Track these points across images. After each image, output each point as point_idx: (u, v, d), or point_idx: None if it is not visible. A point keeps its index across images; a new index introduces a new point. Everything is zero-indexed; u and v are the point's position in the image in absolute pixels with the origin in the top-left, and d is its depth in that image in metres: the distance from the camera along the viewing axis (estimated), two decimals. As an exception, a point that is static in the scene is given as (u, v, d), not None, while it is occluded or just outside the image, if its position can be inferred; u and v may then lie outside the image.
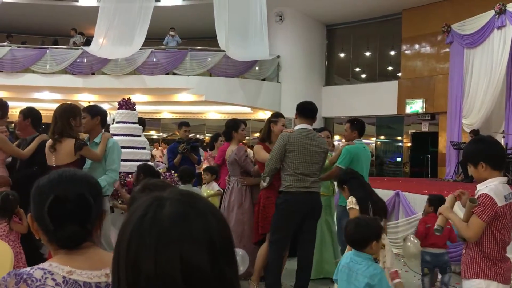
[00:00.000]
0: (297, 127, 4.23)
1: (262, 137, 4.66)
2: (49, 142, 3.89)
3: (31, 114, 4.47)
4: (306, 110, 4.29)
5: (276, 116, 4.64)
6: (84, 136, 4.35)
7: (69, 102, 4.26)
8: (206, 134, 17.10)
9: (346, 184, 3.68)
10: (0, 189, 3.96)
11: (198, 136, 17.21)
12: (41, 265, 1.22)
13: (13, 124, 5.79)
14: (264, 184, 4.24)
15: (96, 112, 4.17)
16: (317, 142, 4.21)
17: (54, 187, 1.30)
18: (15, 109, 7.51)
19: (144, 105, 14.54)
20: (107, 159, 4.00)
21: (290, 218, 4.10)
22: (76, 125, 3.93)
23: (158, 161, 11.08)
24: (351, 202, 3.48)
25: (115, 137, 4.54)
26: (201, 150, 7.41)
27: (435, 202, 4.39)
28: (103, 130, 4.23)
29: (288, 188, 4.08)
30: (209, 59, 14.09)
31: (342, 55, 16.35)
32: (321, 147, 4.24)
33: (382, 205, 3.57)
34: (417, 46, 13.80)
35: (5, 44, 14.70)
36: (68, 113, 3.90)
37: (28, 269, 1.20)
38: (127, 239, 0.78)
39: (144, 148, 5.58)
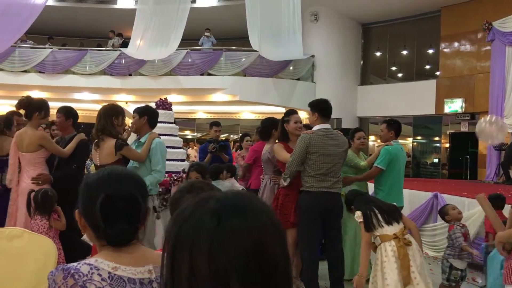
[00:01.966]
0: (316, 128, 4.19)
1: (279, 137, 4.59)
2: (83, 139, 4.01)
3: (72, 115, 4.62)
4: (326, 110, 4.25)
5: (288, 114, 4.55)
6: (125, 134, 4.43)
7: (107, 103, 4.36)
8: (240, 134, 17.16)
9: (353, 204, 3.71)
10: (42, 186, 4.12)
11: (231, 136, 17.33)
12: (87, 261, 1.26)
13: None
14: (284, 183, 4.25)
15: (144, 112, 4.26)
16: (337, 141, 4.20)
17: (105, 185, 1.32)
18: (55, 109, 7.73)
19: (179, 105, 14.73)
20: (152, 159, 4.04)
21: (313, 217, 4.12)
22: (118, 124, 4.00)
23: (193, 161, 11.20)
24: (358, 216, 3.53)
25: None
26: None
27: (493, 200, 4.46)
28: (152, 130, 4.28)
29: (309, 188, 4.10)
30: (244, 59, 14.14)
31: (378, 54, 16.09)
32: (342, 146, 4.23)
33: (392, 210, 3.53)
34: (456, 44, 13.44)
35: (46, 46, 15.20)
36: (111, 111, 3.99)
37: (75, 264, 1.24)
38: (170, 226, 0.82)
39: (180, 148, 5.65)
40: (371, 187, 5.52)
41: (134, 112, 4.28)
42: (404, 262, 3.21)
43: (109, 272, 1.23)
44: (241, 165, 6.20)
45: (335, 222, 4.27)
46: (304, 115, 14.66)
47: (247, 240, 0.76)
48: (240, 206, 0.80)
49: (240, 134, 8.90)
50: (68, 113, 4.60)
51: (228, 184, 4.95)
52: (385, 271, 3.26)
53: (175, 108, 7.00)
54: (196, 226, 0.77)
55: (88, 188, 1.35)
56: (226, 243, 0.75)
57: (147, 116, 4.23)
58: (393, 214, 3.46)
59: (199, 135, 18.55)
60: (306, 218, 4.14)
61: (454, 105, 13.06)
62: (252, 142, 6.91)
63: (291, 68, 14.36)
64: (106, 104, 4.22)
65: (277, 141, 4.79)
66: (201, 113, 17.82)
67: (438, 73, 14.02)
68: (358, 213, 3.53)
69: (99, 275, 1.22)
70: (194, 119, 18.31)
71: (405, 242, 3.29)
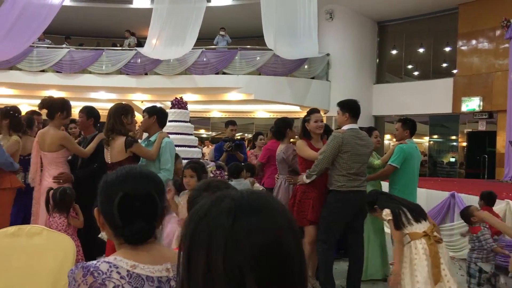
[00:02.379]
0: (347, 127, 4.23)
1: (300, 134, 4.59)
2: (104, 139, 4.05)
3: (93, 115, 4.70)
4: (356, 110, 4.31)
5: (309, 114, 4.57)
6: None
7: (123, 102, 4.40)
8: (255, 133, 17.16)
9: (376, 203, 3.66)
10: (62, 185, 4.18)
11: (246, 134, 17.34)
12: (106, 259, 1.27)
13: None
14: (306, 181, 4.25)
15: (153, 112, 4.30)
16: (365, 142, 4.27)
17: (122, 184, 1.33)
18: (73, 108, 7.81)
19: (194, 104, 14.79)
20: (161, 158, 4.08)
21: (341, 217, 4.14)
22: (127, 122, 4.05)
23: (206, 159, 11.22)
24: (387, 214, 3.47)
25: (167, 136, 4.66)
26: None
27: (485, 196, 4.97)
28: (161, 129, 4.31)
29: (340, 188, 4.12)
30: (258, 58, 14.14)
31: (394, 52, 15.95)
32: (369, 146, 4.32)
33: (419, 209, 3.54)
34: (474, 41, 13.26)
35: (63, 46, 15.39)
36: (120, 110, 4.05)
37: (94, 262, 1.25)
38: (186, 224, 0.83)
39: (195, 147, 5.67)
40: (384, 186, 5.48)
41: (143, 112, 4.34)
42: (435, 259, 3.19)
43: (128, 270, 1.25)
44: (254, 164, 6.21)
45: (359, 222, 4.28)
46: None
47: (263, 239, 0.76)
48: (255, 205, 0.80)
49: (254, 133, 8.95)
50: (89, 113, 4.68)
51: (248, 183, 4.96)
52: (415, 268, 3.23)
53: (190, 107, 7.02)
54: (212, 224, 0.78)
55: (106, 187, 1.37)
56: (241, 241, 0.75)
57: (156, 116, 4.28)
58: (420, 212, 3.44)
59: (213, 133, 18.62)
60: (333, 218, 4.14)
61: (472, 104, 12.89)
62: (265, 141, 6.92)
63: (306, 66, 14.31)
64: (115, 103, 4.26)
65: (291, 139, 4.78)
66: (215, 112, 17.88)
67: (455, 71, 13.85)
68: (386, 211, 3.47)
69: (118, 273, 1.23)
70: (209, 118, 18.38)
71: (435, 240, 3.26)
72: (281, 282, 0.77)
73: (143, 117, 4.28)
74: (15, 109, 4.86)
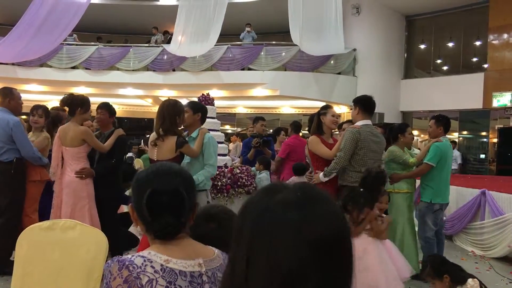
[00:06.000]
0: (361, 123, 4.19)
1: (314, 130, 4.47)
2: (153, 137, 3.98)
3: (114, 112, 4.83)
4: (368, 104, 4.28)
5: (325, 108, 4.53)
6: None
7: (174, 99, 4.16)
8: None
9: (447, 273, 3.21)
10: (85, 179, 4.31)
11: (271, 130, 17.33)
12: (141, 253, 1.30)
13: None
14: (324, 179, 4.18)
15: (198, 108, 4.26)
16: (379, 139, 4.26)
17: (152, 180, 1.37)
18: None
19: (220, 100, 14.85)
20: (204, 154, 4.03)
21: None
22: (180, 122, 3.98)
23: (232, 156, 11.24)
24: (478, 284, 3.14)
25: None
26: None
27: None
28: (201, 125, 4.27)
29: (353, 183, 4.08)
30: (284, 53, 14.10)
31: (422, 46, 15.66)
32: (383, 144, 4.31)
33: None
34: (505, 35, 12.91)
35: (92, 43, 15.66)
36: (175, 112, 3.93)
37: (129, 256, 1.28)
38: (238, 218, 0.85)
39: (222, 143, 5.69)
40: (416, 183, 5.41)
41: (187, 107, 4.19)
42: None
43: (161, 265, 1.27)
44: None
45: None
46: (345, 110, 14.49)
47: (325, 228, 0.77)
48: (314, 197, 0.82)
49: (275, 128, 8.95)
50: (112, 111, 4.79)
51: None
52: None
53: (215, 103, 7.06)
54: (274, 218, 0.78)
55: (138, 183, 1.40)
56: (305, 232, 0.76)
57: (201, 113, 4.22)
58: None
59: (239, 129, 18.68)
60: None
61: (503, 99, 12.58)
62: (286, 137, 6.94)
63: (332, 62, 14.19)
64: (170, 100, 4.06)
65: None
66: (241, 108, 17.92)
67: (486, 65, 13.52)
68: (476, 281, 3.15)
69: (152, 267, 1.26)
70: (235, 114, 18.44)
71: None
72: (339, 271, 0.77)
73: (186, 112, 4.15)
74: (57, 112, 5.07)
